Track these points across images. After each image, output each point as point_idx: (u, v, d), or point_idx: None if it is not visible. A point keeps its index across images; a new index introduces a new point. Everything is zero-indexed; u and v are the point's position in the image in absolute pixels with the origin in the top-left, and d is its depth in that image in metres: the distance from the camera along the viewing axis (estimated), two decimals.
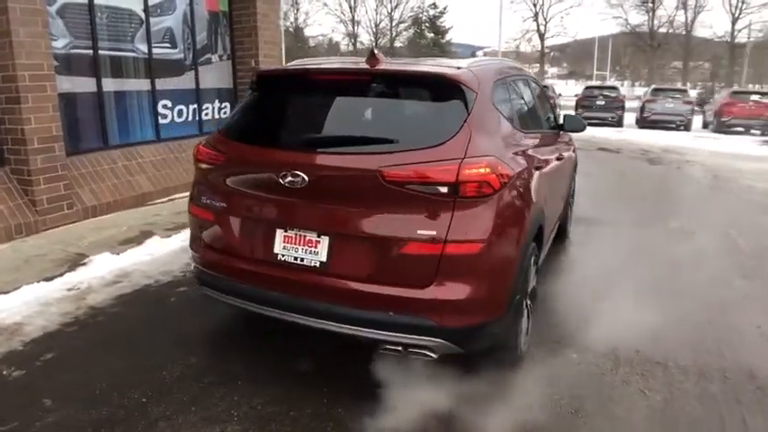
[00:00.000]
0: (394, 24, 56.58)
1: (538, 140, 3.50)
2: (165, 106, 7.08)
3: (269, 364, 3.07)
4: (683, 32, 48.21)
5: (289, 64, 3.31)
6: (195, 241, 3.03)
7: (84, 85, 5.99)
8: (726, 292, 4.37)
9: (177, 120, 7.31)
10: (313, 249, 2.56)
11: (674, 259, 5.06)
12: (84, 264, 4.48)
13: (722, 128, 19.01)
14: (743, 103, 18.76)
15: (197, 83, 7.53)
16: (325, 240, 2.54)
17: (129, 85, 6.56)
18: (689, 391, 2.94)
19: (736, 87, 26.96)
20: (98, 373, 2.96)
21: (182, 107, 7.36)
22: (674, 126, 19.83)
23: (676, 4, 48.15)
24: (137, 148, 6.64)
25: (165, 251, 4.88)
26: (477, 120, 2.57)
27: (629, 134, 17.74)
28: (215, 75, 7.87)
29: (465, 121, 2.52)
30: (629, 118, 21.54)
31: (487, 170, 2.41)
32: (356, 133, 2.65)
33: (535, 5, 53.73)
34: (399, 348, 2.52)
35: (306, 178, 2.47)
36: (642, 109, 20.61)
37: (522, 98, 3.63)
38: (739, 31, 45.90)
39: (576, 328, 3.55)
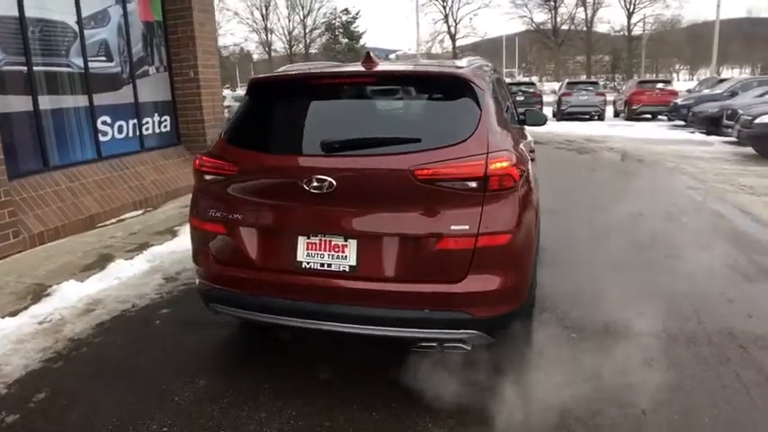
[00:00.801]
0: (307, 31, 56.42)
1: (519, 135, 3.63)
2: (104, 123, 6.69)
3: (284, 377, 2.98)
4: (584, 28, 51.24)
5: (281, 69, 3.23)
6: (201, 257, 2.89)
7: (20, 103, 5.56)
8: (685, 264, 4.71)
9: (118, 136, 6.93)
10: (340, 254, 2.52)
11: (633, 239, 5.40)
12: (48, 294, 4.16)
13: (633, 115, 20.41)
14: (650, 91, 20.26)
15: (135, 97, 7.17)
16: (352, 244, 2.51)
17: (67, 102, 6.14)
18: (684, 356, 3.14)
19: (643, 77, 28.93)
20: (103, 407, 2.76)
21: (122, 123, 6.98)
22: (588, 117, 21.04)
23: (576, 1, 51.12)
24: (79, 169, 6.24)
25: (133, 274, 4.62)
26: (488, 116, 2.64)
27: (550, 126, 18.58)
28: (153, 87, 7.53)
29: (480, 118, 2.58)
30: (547, 111, 22.62)
31: (508, 163, 2.48)
32: (378, 134, 2.64)
33: (445, 8, 55.24)
34: (434, 344, 2.54)
35: (333, 182, 2.44)
36: (559, 102, 21.73)
37: (503, 95, 3.75)
38: (635, 24, 49.49)
39: (567, 309, 3.70)
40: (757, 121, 10.10)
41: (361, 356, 3.13)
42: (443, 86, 2.73)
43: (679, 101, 17.83)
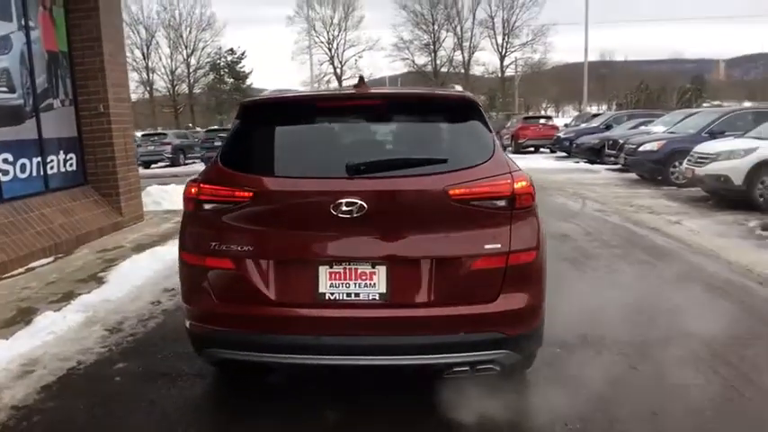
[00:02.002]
0: (191, 71, 54.76)
1: None
2: (5, 161, 5.94)
3: (293, 425, 2.74)
4: (462, 70, 54.58)
5: (265, 93, 3.07)
6: (197, 296, 2.59)
7: None
8: (624, 276, 5.06)
9: (20, 175, 6.18)
10: (368, 282, 2.39)
11: (568, 258, 5.72)
12: None
13: (520, 148, 21.97)
14: (534, 126, 22.03)
15: (39, 132, 6.47)
16: (381, 270, 2.40)
17: None
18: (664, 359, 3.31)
19: (518, 114, 31.30)
20: None
21: (24, 161, 6.24)
22: None
23: (454, 45, 54.56)
24: None
25: (68, 327, 4.07)
26: (496, 138, 2.70)
27: None
28: (58, 122, 6.85)
29: (493, 140, 2.64)
30: None
31: (527, 182, 2.53)
32: (396, 156, 2.59)
33: (330, 50, 56.38)
34: (467, 369, 2.47)
35: (364, 205, 2.32)
36: None
37: None
38: (507, 66, 53.62)
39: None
40: (640, 149, 11.25)
41: (365, 389, 2.97)
42: (455, 109, 2.75)
43: (561, 134, 19.46)
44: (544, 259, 2.64)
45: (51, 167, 6.70)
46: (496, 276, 2.40)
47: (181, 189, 10.18)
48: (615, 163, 13.75)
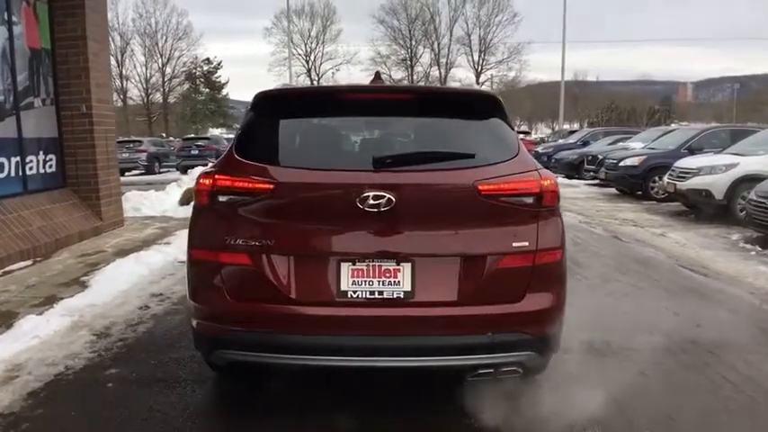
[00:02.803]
0: (167, 80, 54.04)
1: None
2: None
3: (304, 426, 2.62)
4: (438, 86, 55.10)
5: (277, 86, 2.97)
6: (208, 294, 2.46)
7: None
8: (619, 285, 5.08)
9: None
10: (393, 279, 2.30)
11: None
12: None
13: None
14: None
15: (19, 131, 6.21)
16: (406, 267, 2.31)
17: None
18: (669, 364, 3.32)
19: None
20: None
21: (2, 160, 5.97)
22: None
23: (430, 61, 55.17)
24: None
25: (53, 331, 3.86)
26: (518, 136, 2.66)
27: None
28: (38, 122, 6.59)
29: (517, 138, 2.61)
30: None
31: (553, 180, 2.49)
32: (433, 149, 2.52)
33: (308, 62, 56.38)
34: (491, 370, 2.39)
35: (392, 199, 2.24)
36: None
37: None
38: (483, 83, 54.26)
39: None
40: (621, 164, 11.42)
41: (377, 395, 2.86)
42: (479, 106, 2.71)
43: (539, 149, 19.72)
44: (566, 260, 2.59)
45: (31, 168, 6.44)
46: (523, 275, 2.35)
47: (160, 196, 9.92)
48: (594, 178, 13.95)
